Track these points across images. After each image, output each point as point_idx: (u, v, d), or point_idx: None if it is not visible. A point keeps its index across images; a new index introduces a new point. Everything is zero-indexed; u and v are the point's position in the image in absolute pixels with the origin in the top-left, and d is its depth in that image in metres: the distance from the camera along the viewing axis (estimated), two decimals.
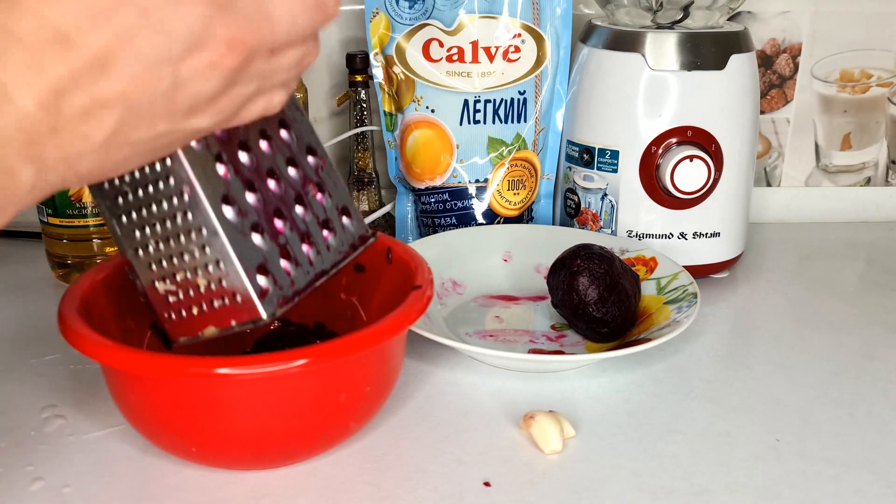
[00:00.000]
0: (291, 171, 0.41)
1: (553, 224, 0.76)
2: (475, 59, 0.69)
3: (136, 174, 0.38)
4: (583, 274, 0.57)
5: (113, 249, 0.67)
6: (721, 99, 0.66)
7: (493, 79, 0.70)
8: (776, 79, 0.84)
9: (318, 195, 0.42)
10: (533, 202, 0.75)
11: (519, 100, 0.71)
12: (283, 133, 0.41)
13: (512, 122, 0.71)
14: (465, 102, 0.70)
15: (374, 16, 0.69)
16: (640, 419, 0.51)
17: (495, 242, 0.69)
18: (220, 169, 0.38)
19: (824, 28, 0.82)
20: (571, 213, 0.72)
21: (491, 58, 0.69)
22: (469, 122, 0.71)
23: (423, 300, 0.45)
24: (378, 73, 0.71)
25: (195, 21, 0.29)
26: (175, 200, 0.37)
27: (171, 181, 0.37)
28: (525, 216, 0.74)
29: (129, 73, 0.29)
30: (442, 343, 0.53)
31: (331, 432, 0.45)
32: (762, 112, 0.85)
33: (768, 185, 0.88)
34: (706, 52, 0.65)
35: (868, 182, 0.89)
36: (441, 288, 0.64)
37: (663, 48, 0.65)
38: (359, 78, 0.74)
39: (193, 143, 0.37)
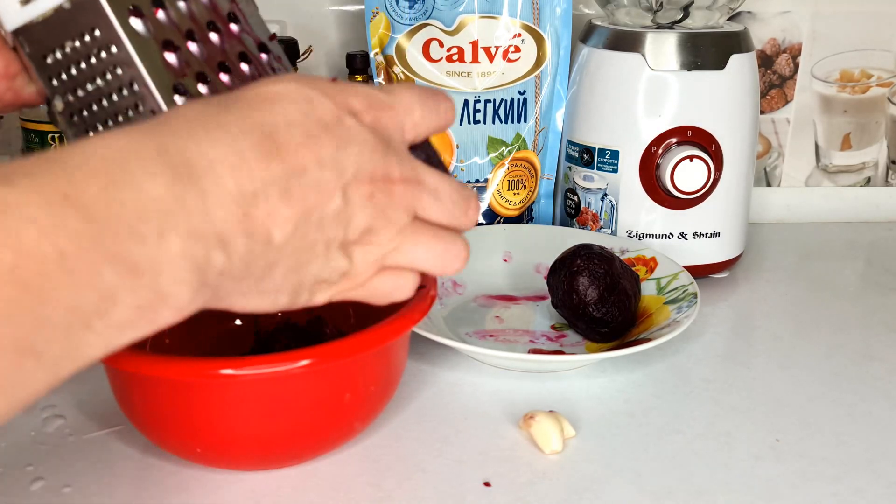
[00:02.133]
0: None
1: (553, 224, 0.76)
2: (475, 59, 0.69)
3: (77, 43, 0.37)
4: (583, 274, 0.57)
5: None
6: (721, 99, 0.66)
7: (493, 79, 0.70)
8: (776, 79, 0.84)
9: (234, 26, 0.41)
10: (533, 202, 0.75)
11: (519, 100, 0.71)
12: (233, 26, 0.41)
13: (512, 122, 0.71)
14: (466, 102, 0.70)
15: (374, 16, 0.69)
16: (640, 419, 0.51)
17: (495, 242, 0.69)
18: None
19: (824, 28, 0.82)
20: (571, 213, 0.72)
21: (491, 58, 0.69)
22: (469, 122, 0.71)
23: (427, 300, 0.45)
24: (378, 73, 0.71)
25: (365, 147, 0.33)
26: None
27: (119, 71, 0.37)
28: (525, 216, 0.74)
29: (313, 181, 0.32)
30: (442, 343, 0.53)
31: (335, 432, 0.45)
32: (762, 112, 0.85)
33: (768, 185, 0.88)
34: (706, 52, 0.65)
35: (868, 182, 0.89)
36: (441, 288, 0.64)
37: (663, 48, 0.65)
38: (359, 78, 0.73)
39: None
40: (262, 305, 0.33)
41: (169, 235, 0.27)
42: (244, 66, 0.40)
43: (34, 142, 0.70)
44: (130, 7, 0.37)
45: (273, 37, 0.42)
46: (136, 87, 0.37)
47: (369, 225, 0.34)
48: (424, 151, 0.38)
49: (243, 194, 0.30)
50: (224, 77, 0.39)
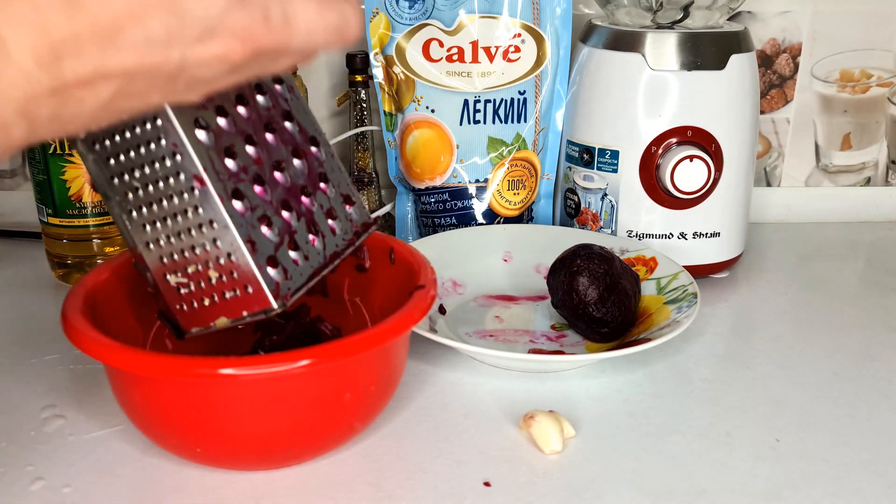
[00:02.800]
0: (296, 161, 0.41)
1: (553, 224, 0.76)
2: (475, 59, 0.69)
3: (147, 169, 0.38)
4: (583, 274, 0.57)
5: (113, 250, 0.67)
6: (721, 99, 0.66)
7: (493, 79, 0.70)
8: (776, 79, 0.84)
9: (322, 185, 0.42)
10: (533, 202, 0.75)
11: (519, 100, 0.71)
12: (287, 124, 0.42)
13: (512, 122, 0.71)
14: (465, 102, 0.70)
15: (374, 16, 0.69)
16: (640, 419, 0.51)
17: (495, 242, 0.69)
18: (230, 163, 0.38)
19: (824, 28, 0.82)
20: (571, 213, 0.72)
21: (491, 58, 0.69)
22: (469, 122, 0.71)
23: (426, 300, 0.45)
24: (378, 73, 0.71)
25: (213, 8, 0.29)
26: (186, 196, 0.38)
27: (182, 176, 0.37)
28: (525, 216, 0.74)
29: (135, 51, 0.28)
30: (442, 343, 0.53)
31: (335, 432, 0.45)
32: (762, 112, 0.85)
33: (768, 185, 0.88)
34: (706, 52, 0.65)
35: (868, 182, 0.89)
36: (441, 288, 0.64)
37: (663, 48, 0.65)
38: (359, 78, 0.74)
39: (202, 137, 0.37)
40: (113, 117, 0.31)
41: None
42: (296, 162, 0.42)
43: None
44: (195, 119, 0.38)
45: (320, 136, 0.43)
46: (196, 191, 0.38)
47: (220, 74, 0.31)
48: None
49: (43, 67, 0.27)
50: (278, 175, 0.40)
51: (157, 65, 0.29)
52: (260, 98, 0.41)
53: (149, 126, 0.38)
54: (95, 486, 0.44)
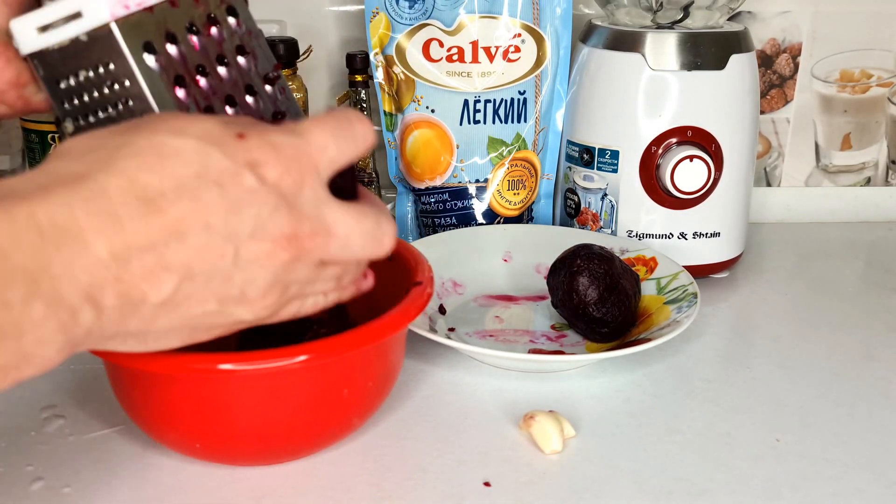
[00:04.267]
0: (214, 29, 0.40)
1: (553, 224, 0.76)
2: (475, 59, 0.69)
3: (91, 73, 0.38)
4: (583, 274, 0.57)
5: None
6: (721, 99, 0.66)
7: (493, 79, 0.70)
8: (776, 79, 0.84)
9: (241, 58, 0.41)
10: (533, 202, 0.75)
11: (519, 100, 0.71)
12: (241, 59, 0.41)
13: (512, 122, 0.71)
14: (465, 102, 0.70)
15: (374, 16, 0.69)
16: (640, 419, 0.51)
17: (495, 242, 0.69)
18: (180, 93, 0.38)
19: (824, 28, 0.82)
20: (571, 213, 0.72)
21: (491, 58, 0.69)
22: (469, 122, 0.71)
23: (423, 297, 0.45)
24: (378, 73, 0.71)
25: (264, 209, 0.33)
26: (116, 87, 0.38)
27: (130, 103, 0.38)
28: (525, 216, 0.74)
29: (197, 244, 0.31)
30: (442, 343, 0.53)
31: (334, 427, 0.45)
32: (762, 112, 0.85)
33: (768, 185, 0.88)
34: (706, 52, 0.65)
35: (868, 182, 0.89)
36: (441, 288, 0.64)
37: (663, 48, 0.65)
38: (359, 78, 0.74)
39: (151, 63, 0.37)
40: (146, 349, 0.34)
41: (33, 301, 0.28)
42: (249, 99, 0.41)
43: (34, 142, 0.70)
44: (144, 43, 0.37)
45: (278, 66, 0.43)
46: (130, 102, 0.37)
47: (271, 282, 0.34)
48: (343, 178, 0.38)
49: (115, 258, 0.30)
50: (230, 110, 0.40)
51: (215, 258, 0.32)
52: (213, 30, 0.40)
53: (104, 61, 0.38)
54: (95, 486, 0.44)
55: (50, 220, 0.29)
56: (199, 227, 0.31)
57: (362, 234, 0.36)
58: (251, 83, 0.42)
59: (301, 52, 0.73)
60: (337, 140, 0.36)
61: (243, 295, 0.34)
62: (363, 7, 0.70)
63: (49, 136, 0.69)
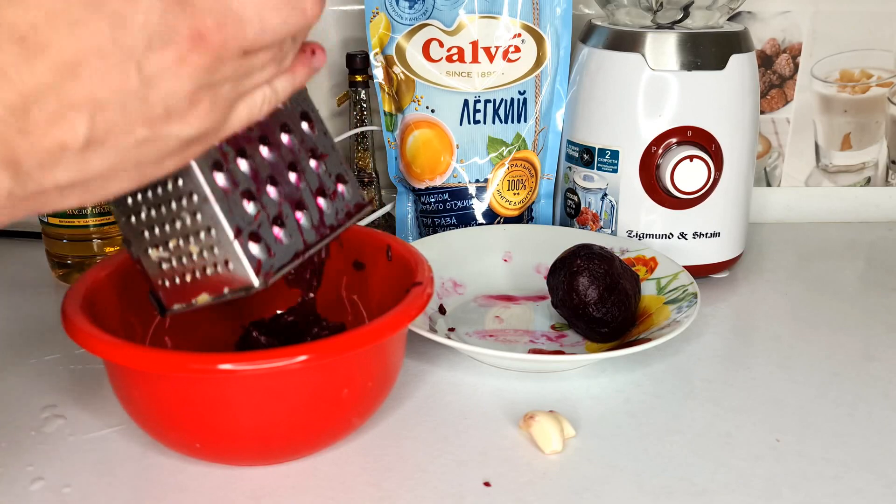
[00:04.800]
0: (284, 136, 0.40)
1: (553, 224, 0.76)
2: (475, 59, 0.69)
3: (160, 190, 0.38)
4: (583, 274, 0.57)
5: (113, 250, 0.67)
6: (721, 99, 0.66)
7: (493, 79, 0.70)
8: (776, 79, 0.84)
9: (313, 161, 0.41)
10: (533, 202, 0.75)
11: (519, 100, 0.71)
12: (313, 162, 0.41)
13: (512, 122, 0.71)
14: (465, 102, 0.70)
15: (374, 16, 0.69)
16: (640, 419, 0.51)
17: (495, 242, 0.69)
18: None
19: (824, 28, 0.82)
20: (571, 213, 0.72)
21: (491, 58, 0.69)
22: (469, 122, 0.71)
23: (423, 296, 0.45)
24: (378, 73, 0.71)
25: (151, 14, 0.29)
26: None
27: None
28: (525, 216, 0.74)
29: (94, 73, 0.28)
30: (442, 343, 0.53)
31: (333, 427, 0.45)
32: (762, 112, 0.85)
33: (768, 185, 0.88)
34: (706, 52, 0.65)
35: (868, 182, 0.89)
36: (441, 288, 0.64)
37: (663, 48, 0.65)
38: (359, 78, 0.74)
39: None
40: (97, 197, 0.32)
41: None
42: (321, 201, 0.41)
43: None
44: (214, 161, 0.37)
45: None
46: (213, 232, 0.37)
47: (192, 89, 0.31)
48: None
49: (12, 111, 0.27)
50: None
51: (118, 82, 0.29)
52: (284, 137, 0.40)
53: None
54: (95, 486, 0.44)
55: None
56: (88, 54, 0.28)
57: (275, 5, 0.32)
58: (321, 185, 0.41)
59: None
60: None
61: (169, 111, 0.31)
62: (363, 7, 0.70)
63: None
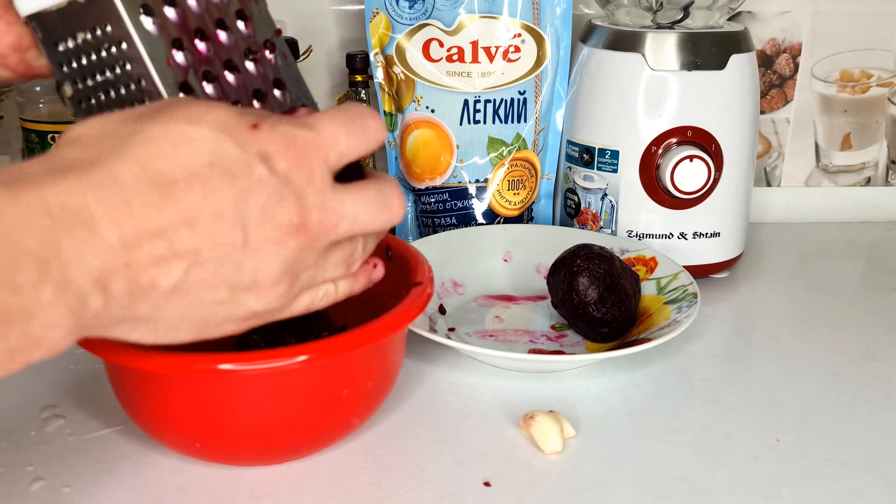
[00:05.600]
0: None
1: (553, 224, 0.76)
2: (475, 59, 0.69)
3: (88, 35, 0.38)
4: (583, 274, 0.57)
5: None
6: (721, 99, 0.66)
7: (493, 79, 0.70)
8: (776, 79, 0.84)
9: (277, 91, 0.41)
10: (533, 202, 0.75)
11: (519, 100, 0.71)
12: (241, 24, 0.41)
13: (512, 122, 0.71)
14: (465, 102, 0.70)
15: (374, 16, 0.69)
16: (640, 419, 0.51)
17: (495, 242, 0.69)
18: (178, 56, 0.38)
19: (824, 28, 0.82)
20: (571, 213, 0.72)
21: (491, 58, 0.69)
22: (469, 122, 0.71)
23: (423, 296, 0.45)
24: (378, 73, 0.71)
25: (273, 198, 0.33)
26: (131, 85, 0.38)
27: (128, 66, 0.37)
28: (525, 216, 0.74)
29: (207, 231, 0.32)
30: (442, 343, 0.53)
31: (333, 427, 0.45)
32: (762, 112, 0.85)
33: (768, 185, 0.88)
34: (706, 52, 0.65)
35: (868, 182, 0.89)
36: (441, 288, 0.64)
37: (663, 48, 0.65)
38: (359, 78, 0.74)
39: (150, 27, 0.37)
40: (159, 340, 0.34)
41: (42, 285, 0.28)
42: (250, 65, 0.41)
43: (34, 142, 0.70)
44: (142, 5, 0.37)
45: (279, 32, 0.43)
46: (143, 83, 0.37)
47: (281, 270, 0.34)
48: (351, 168, 0.38)
49: (125, 244, 0.30)
50: (230, 76, 0.40)
51: (224, 243, 0.32)
52: None
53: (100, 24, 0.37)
54: (95, 486, 0.44)
55: (61, 205, 0.29)
56: (209, 214, 0.32)
57: (366, 204, 0.36)
58: (251, 48, 0.41)
59: (301, 52, 0.73)
60: (348, 135, 0.36)
61: (254, 282, 0.34)
62: (363, 7, 0.70)
63: (49, 136, 0.69)
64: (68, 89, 0.40)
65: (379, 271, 0.42)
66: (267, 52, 0.42)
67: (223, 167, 0.32)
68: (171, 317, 0.33)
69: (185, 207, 0.31)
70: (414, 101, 0.70)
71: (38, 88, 0.69)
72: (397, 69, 0.70)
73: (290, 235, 0.34)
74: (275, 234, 0.33)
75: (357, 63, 0.73)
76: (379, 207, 0.37)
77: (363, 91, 0.74)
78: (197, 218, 0.31)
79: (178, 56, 0.38)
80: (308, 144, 0.35)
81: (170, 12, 0.38)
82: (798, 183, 0.88)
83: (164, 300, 0.32)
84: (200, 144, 0.32)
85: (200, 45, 0.39)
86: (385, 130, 0.38)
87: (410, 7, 0.69)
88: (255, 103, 0.41)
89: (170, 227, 0.31)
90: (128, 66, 0.37)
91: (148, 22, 0.37)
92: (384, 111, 0.72)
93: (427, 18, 0.69)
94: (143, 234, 0.30)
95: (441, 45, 0.69)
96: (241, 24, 0.41)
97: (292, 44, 0.70)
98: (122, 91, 0.38)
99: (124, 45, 0.37)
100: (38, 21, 0.38)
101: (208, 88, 0.38)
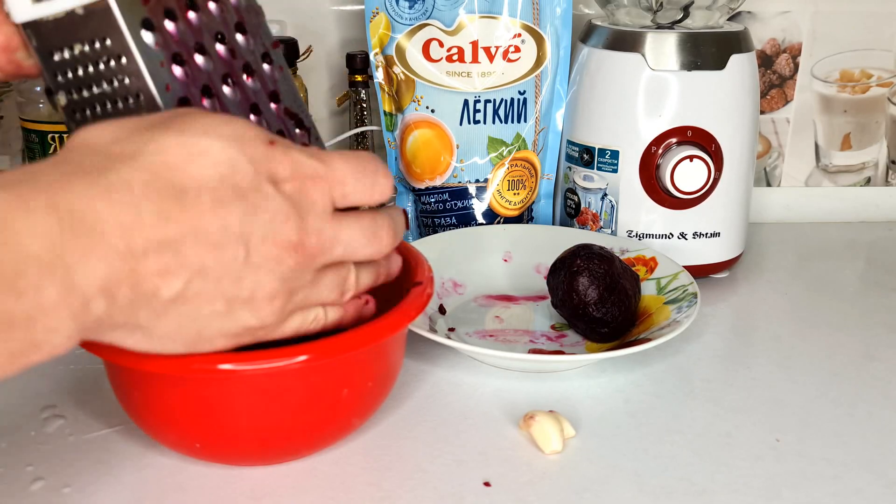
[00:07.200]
0: (213, 6, 0.40)
1: (553, 224, 0.76)
2: (475, 59, 0.69)
3: (86, 48, 0.37)
4: (583, 274, 0.57)
5: None
6: (721, 99, 0.66)
7: (493, 79, 0.70)
8: (776, 79, 0.84)
9: (240, 36, 0.41)
10: (533, 202, 0.75)
11: (519, 100, 0.71)
12: (239, 37, 0.41)
13: (512, 122, 0.71)
14: (465, 102, 0.70)
15: (374, 16, 0.69)
16: (640, 419, 0.51)
17: (495, 242, 0.69)
18: (177, 70, 0.38)
19: (824, 28, 0.82)
20: (571, 213, 0.72)
21: (491, 58, 0.69)
22: (469, 122, 0.71)
23: (423, 297, 0.45)
24: (378, 73, 0.71)
25: (278, 216, 0.34)
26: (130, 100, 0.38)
27: (126, 80, 0.37)
28: (525, 216, 0.74)
29: (212, 242, 0.32)
30: (442, 343, 0.53)
31: (333, 427, 0.45)
32: (762, 112, 0.85)
33: (768, 185, 0.88)
34: (706, 52, 0.65)
35: (868, 182, 0.89)
36: (441, 288, 0.64)
37: (663, 48, 0.65)
38: (359, 78, 0.74)
39: (149, 40, 0.37)
40: (153, 348, 0.35)
41: (45, 289, 0.28)
42: (247, 80, 0.41)
43: (34, 142, 0.70)
44: (143, 20, 0.37)
45: (276, 45, 0.43)
46: (141, 97, 0.37)
47: (277, 286, 0.35)
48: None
49: (132, 252, 0.30)
50: (227, 90, 0.40)
51: (226, 258, 0.33)
52: (213, 6, 0.40)
53: (99, 38, 0.37)
54: (95, 486, 0.44)
55: (69, 209, 0.29)
56: (216, 227, 0.32)
57: (361, 233, 0.38)
58: (249, 61, 0.41)
59: (301, 52, 0.73)
60: (356, 181, 0.37)
61: (251, 297, 0.34)
62: (363, 7, 0.70)
63: (49, 136, 0.69)
64: (62, 99, 0.39)
65: (370, 308, 0.43)
66: (265, 66, 0.42)
67: (233, 182, 0.33)
68: (167, 326, 0.33)
69: (194, 219, 0.32)
70: (414, 101, 0.70)
71: (38, 88, 0.69)
72: (397, 69, 0.70)
73: (288, 253, 0.35)
74: (275, 252, 0.34)
75: (357, 63, 0.73)
76: (371, 236, 0.38)
77: (363, 91, 0.74)
78: (204, 231, 0.32)
79: (177, 70, 0.38)
80: (315, 174, 0.36)
81: (170, 26, 0.38)
82: (798, 183, 0.88)
83: (163, 308, 0.32)
84: (213, 158, 0.32)
85: (200, 59, 0.39)
86: (392, 189, 0.40)
87: (410, 7, 0.69)
88: (252, 117, 0.41)
89: (177, 237, 0.31)
90: (126, 80, 0.37)
91: (148, 36, 0.37)
92: (384, 111, 0.72)
93: (427, 18, 0.69)
94: (151, 242, 0.31)
95: (441, 45, 0.69)
96: (239, 37, 0.41)
97: (292, 44, 0.70)
98: (119, 105, 0.38)
99: (124, 60, 0.37)
100: (32, 29, 0.38)
101: (206, 104, 0.39)
